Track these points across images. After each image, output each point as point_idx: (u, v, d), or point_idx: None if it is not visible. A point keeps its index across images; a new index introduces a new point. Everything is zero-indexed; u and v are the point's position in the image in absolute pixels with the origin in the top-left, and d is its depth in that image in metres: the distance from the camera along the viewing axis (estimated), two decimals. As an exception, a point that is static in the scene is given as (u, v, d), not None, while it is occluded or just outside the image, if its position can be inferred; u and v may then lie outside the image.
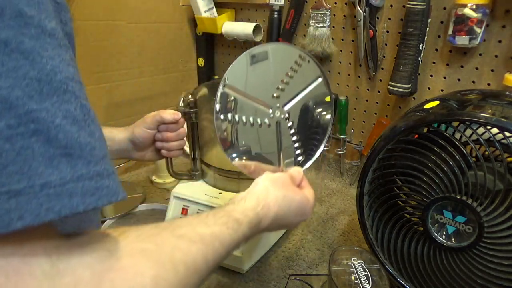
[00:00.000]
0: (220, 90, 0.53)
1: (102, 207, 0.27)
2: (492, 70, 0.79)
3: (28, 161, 0.23)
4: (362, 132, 1.04)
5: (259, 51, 0.55)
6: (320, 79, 0.59)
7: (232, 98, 0.54)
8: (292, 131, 0.57)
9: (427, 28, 0.82)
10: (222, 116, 0.54)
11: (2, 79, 0.23)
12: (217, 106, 0.53)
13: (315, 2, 1.00)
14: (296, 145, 0.58)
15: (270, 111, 0.56)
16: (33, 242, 0.25)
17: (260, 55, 0.55)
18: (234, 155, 0.56)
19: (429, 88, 0.89)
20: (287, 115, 0.57)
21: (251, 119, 0.54)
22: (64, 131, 0.25)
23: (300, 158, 0.59)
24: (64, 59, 0.27)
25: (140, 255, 0.30)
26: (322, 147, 0.60)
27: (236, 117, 0.54)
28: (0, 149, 0.23)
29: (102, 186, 0.27)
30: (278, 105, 0.56)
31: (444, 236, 0.56)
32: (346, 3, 0.96)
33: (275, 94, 0.56)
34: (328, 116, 0.60)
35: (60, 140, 0.25)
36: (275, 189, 0.49)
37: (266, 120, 0.55)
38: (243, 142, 0.56)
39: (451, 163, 0.54)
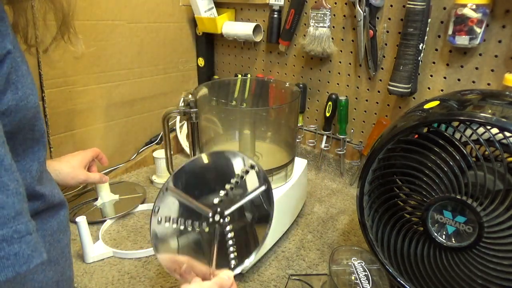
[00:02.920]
0: (162, 191, 0.53)
1: (5, 280, 0.22)
2: (492, 70, 0.79)
3: None
4: (362, 132, 1.04)
5: (208, 158, 0.57)
6: (263, 187, 0.59)
7: (174, 200, 0.54)
8: (230, 235, 0.57)
9: (427, 28, 0.83)
10: (159, 218, 0.53)
11: None
12: (156, 208, 0.53)
13: (315, 2, 1.00)
14: (231, 249, 0.57)
15: (210, 214, 0.56)
16: None
17: (210, 160, 0.57)
18: (167, 251, 0.55)
19: (429, 88, 0.89)
20: (226, 220, 0.57)
21: (189, 222, 0.54)
22: None
23: (233, 262, 0.58)
24: None
25: None
26: (253, 255, 0.59)
27: (175, 219, 0.54)
28: None
29: (8, 255, 0.23)
30: (219, 209, 0.56)
31: (444, 236, 0.56)
32: (346, 3, 0.96)
33: (216, 200, 0.56)
34: (266, 227, 0.60)
35: None
36: None
37: (205, 223, 0.55)
38: (179, 242, 0.55)
39: (451, 163, 0.54)
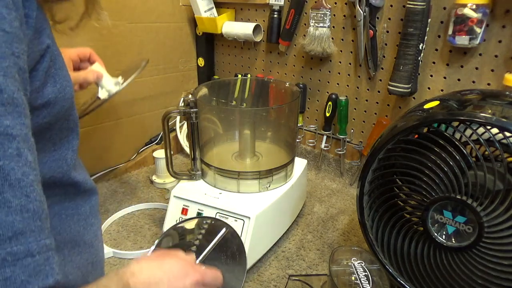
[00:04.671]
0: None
1: None
2: (492, 70, 0.79)
3: None
4: (362, 132, 1.04)
5: (174, 230, 0.71)
6: (224, 229, 0.69)
7: None
8: None
9: (427, 28, 0.82)
10: None
11: None
12: None
13: (315, 2, 1.00)
14: None
15: None
16: None
17: (177, 231, 0.70)
18: None
19: (429, 88, 0.89)
20: (203, 267, 0.63)
21: None
22: None
23: None
24: None
25: None
26: (242, 284, 0.66)
27: None
28: None
29: None
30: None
31: (444, 236, 0.56)
32: (346, 3, 0.96)
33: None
34: (243, 257, 0.67)
35: None
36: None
37: None
38: None
39: (451, 163, 0.54)
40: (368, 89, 1.00)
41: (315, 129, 1.12)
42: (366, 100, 1.01)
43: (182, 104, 0.77)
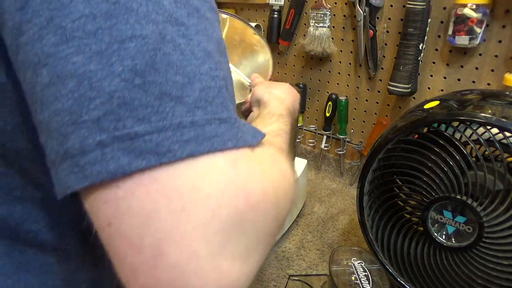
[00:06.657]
0: None
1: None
2: (492, 70, 0.79)
3: (225, 98, 0.29)
4: (362, 132, 1.04)
5: None
6: None
7: None
8: None
9: (427, 28, 0.82)
10: None
11: (200, 35, 0.29)
12: None
13: (315, 2, 1.00)
14: None
15: None
16: None
17: None
18: None
19: (429, 88, 0.89)
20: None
21: None
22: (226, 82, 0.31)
23: None
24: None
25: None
26: None
27: None
28: (208, 84, 0.28)
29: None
30: None
31: (444, 236, 0.56)
32: (346, 3, 0.96)
33: None
34: None
35: (229, 89, 0.31)
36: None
37: None
38: None
39: (451, 163, 0.54)
40: (368, 89, 1.00)
41: (315, 129, 1.12)
42: (366, 100, 1.01)
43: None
